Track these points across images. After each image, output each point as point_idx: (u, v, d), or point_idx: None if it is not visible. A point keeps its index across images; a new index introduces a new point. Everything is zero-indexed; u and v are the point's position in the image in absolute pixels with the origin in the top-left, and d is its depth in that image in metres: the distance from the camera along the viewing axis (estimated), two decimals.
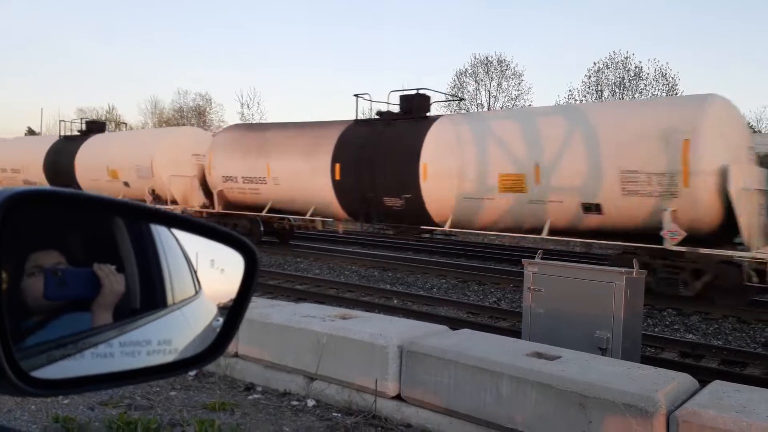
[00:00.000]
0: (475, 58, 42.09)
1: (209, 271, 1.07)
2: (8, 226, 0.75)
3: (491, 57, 40.56)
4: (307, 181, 15.16)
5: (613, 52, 37.41)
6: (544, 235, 11.66)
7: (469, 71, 40.85)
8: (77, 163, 21.53)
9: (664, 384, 3.74)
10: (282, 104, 70.85)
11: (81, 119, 24.56)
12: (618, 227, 10.95)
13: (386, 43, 67.91)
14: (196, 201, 18.41)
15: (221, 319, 1.06)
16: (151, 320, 0.98)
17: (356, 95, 15.52)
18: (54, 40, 75.06)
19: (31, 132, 33.56)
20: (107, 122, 31.28)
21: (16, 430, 3.88)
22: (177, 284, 1.03)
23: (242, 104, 46.31)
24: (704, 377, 5.14)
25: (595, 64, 37.57)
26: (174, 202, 18.31)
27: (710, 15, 53.75)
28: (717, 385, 3.87)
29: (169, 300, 1.02)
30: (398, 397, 4.58)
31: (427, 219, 13.45)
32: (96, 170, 20.59)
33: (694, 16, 54.10)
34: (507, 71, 40.42)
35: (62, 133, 24.15)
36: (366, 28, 69.35)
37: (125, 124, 32.60)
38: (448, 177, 12.70)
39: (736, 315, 9.74)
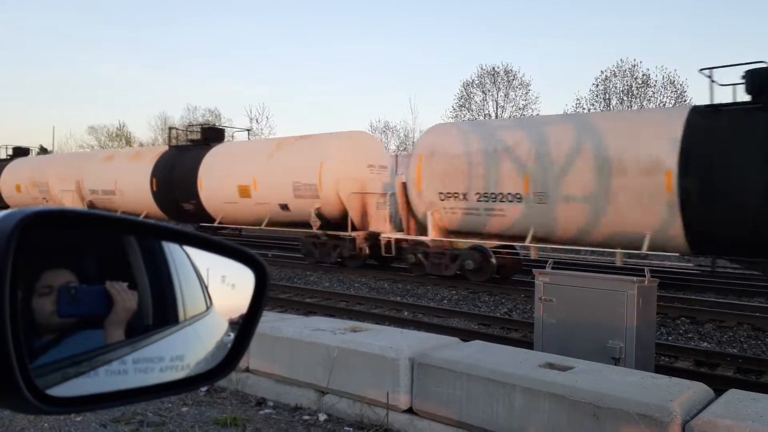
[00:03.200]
0: (481, 68, 42.31)
1: (220, 286, 1.08)
2: (23, 246, 0.76)
3: (498, 67, 40.70)
4: (138, 192, 20.77)
5: (621, 60, 37.33)
6: (263, 226, 17.12)
7: (476, 82, 40.99)
8: (1, 182, 27.14)
9: (679, 393, 3.70)
10: (291, 118, 71.34)
11: (6, 146, 30.00)
12: (299, 219, 16.23)
13: (394, 54, 68.35)
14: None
15: (232, 335, 1.06)
16: (164, 336, 0.99)
17: (171, 127, 21.95)
18: (66, 58, 76.15)
19: (43, 150, 33.91)
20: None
21: None
22: (188, 300, 1.04)
23: (251, 119, 46.54)
24: (720, 386, 5.07)
25: (602, 72, 37.52)
26: None
27: (719, 21, 53.67)
28: (733, 394, 3.83)
29: (181, 316, 1.03)
30: (410, 411, 4.55)
31: (209, 218, 18.74)
32: (11, 188, 26.66)
33: (703, 22, 54.03)
34: (514, 81, 40.49)
35: None
36: (373, 39, 69.80)
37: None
38: (213, 188, 18.11)
39: (751, 323, 9.64)
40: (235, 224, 18.75)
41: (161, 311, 1.00)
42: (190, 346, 1.03)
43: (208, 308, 1.07)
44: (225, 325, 1.07)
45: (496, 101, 40.74)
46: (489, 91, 40.83)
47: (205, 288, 1.07)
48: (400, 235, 14.32)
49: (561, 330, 6.47)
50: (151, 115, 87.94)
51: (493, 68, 40.62)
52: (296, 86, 71.34)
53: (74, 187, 23.62)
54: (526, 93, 40.59)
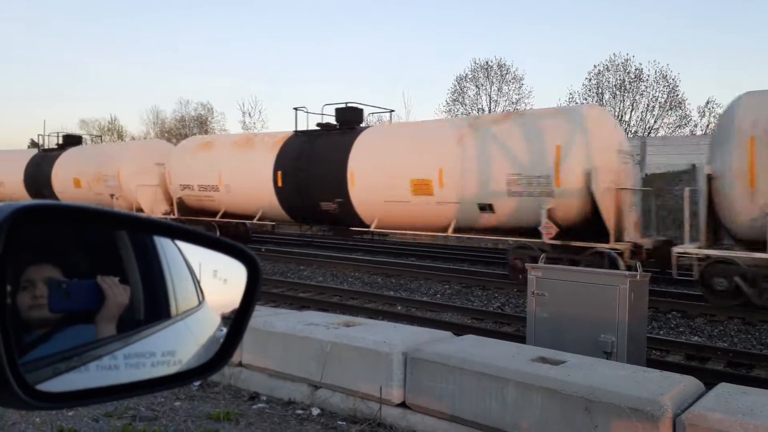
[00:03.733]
0: (475, 62, 42.20)
1: (212, 281, 1.08)
2: (13, 240, 0.76)
3: (491, 61, 40.67)
4: (254, 187, 16.62)
5: (614, 54, 37.50)
6: (450, 233, 13.14)
7: (470, 76, 40.94)
8: (54, 175, 22.71)
9: (670, 387, 3.72)
10: (284, 112, 71.05)
11: (58, 134, 25.35)
12: (506, 225, 12.46)
13: (387, 49, 68.13)
14: (159, 208, 19.73)
15: (225, 329, 1.06)
16: (155, 331, 0.98)
17: (296, 108, 16.55)
18: (56, 52, 75.49)
19: (33, 145, 33.67)
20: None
21: None
22: (180, 295, 1.04)
23: (244, 113, 46.30)
24: (710, 380, 5.12)
25: (595, 66, 37.60)
26: (140, 210, 19.25)
27: (712, 16, 53.79)
28: (723, 388, 3.85)
29: (173, 311, 1.02)
30: (403, 405, 4.57)
31: (358, 221, 14.81)
32: (68, 182, 22.01)
33: (695, 17, 54.16)
34: (507, 75, 40.47)
35: (41, 147, 25.39)
36: (366, 35, 69.59)
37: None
38: (370, 183, 14.03)
39: (741, 316, 9.72)
40: (400, 230, 14.62)
41: (153, 306, 0.99)
42: (182, 341, 1.03)
43: (200, 303, 1.07)
44: (217, 320, 1.07)
45: (490, 95, 40.73)
46: (482, 85, 40.81)
47: (197, 283, 1.06)
48: (717, 252, 10.10)
49: (553, 324, 6.50)
50: (142, 109, 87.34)
51: (487, 62, 40.59)
52: (289, 80, 71.05)
53: (157, 181, 19.60)
54: (519, 87, 40.61)
